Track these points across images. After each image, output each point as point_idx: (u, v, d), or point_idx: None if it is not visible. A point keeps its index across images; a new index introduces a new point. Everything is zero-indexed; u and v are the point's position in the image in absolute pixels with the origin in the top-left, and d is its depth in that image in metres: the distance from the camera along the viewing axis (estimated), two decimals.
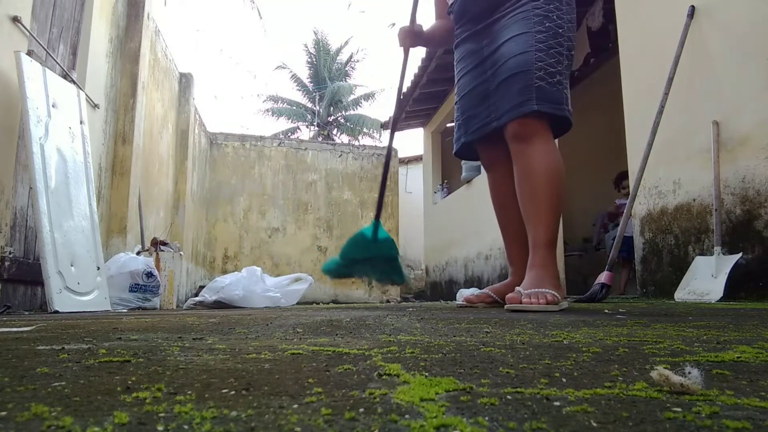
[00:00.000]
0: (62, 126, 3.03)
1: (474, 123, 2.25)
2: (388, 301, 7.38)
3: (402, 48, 2.41)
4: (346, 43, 24.91)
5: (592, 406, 0.47)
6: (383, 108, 42.98)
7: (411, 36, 2.39)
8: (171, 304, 4.29)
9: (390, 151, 2.36)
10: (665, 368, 0.55)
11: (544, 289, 1.85)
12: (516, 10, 2.13)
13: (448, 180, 8.37)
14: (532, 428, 0.40)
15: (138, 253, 3.86)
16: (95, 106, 3.85)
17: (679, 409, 0.45)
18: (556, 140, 2.26)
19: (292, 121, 23.89)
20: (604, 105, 6.00)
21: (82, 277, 2.90)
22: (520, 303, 1.81)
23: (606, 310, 1.99)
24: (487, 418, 0.43)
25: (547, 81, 2.00)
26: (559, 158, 2.06)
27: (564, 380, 0.59)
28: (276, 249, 8.14)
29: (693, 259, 3.02)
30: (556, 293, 1.85)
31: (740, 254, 2.75)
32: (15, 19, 2.72)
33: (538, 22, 2.07)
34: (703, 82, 3.14)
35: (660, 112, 3.20)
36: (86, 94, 3.59)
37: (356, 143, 17.98)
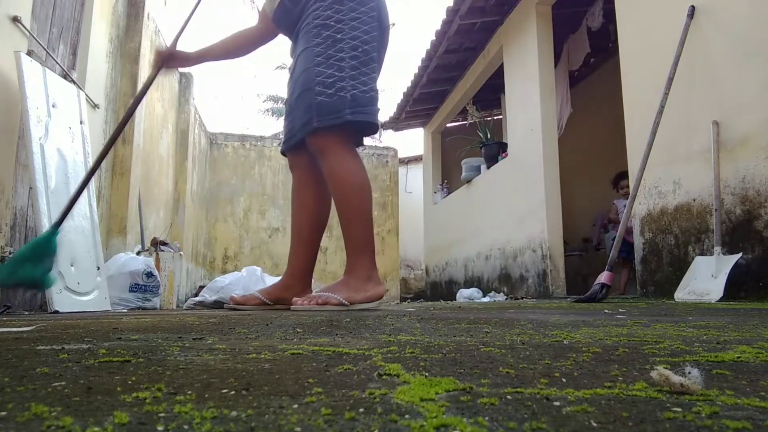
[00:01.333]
0: (62, 126, 3.03)
1: (285, 133, 2.31)
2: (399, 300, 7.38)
3: (154, 69, 2.37)
4: None
5: (592, 406, 0.47)
6: (383, 108, 42.88)
7: (167, 58, 2.35)
8: (171, 304, 4.29)
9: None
10: (665, 368, 0.55)
11: (328, 294, 1.93)
12: (304, 22, 2.15)
13: (448, 180, 8.37)
14: (532, 428, 0.40)
15: (138, 253, 3.86)
16: (95, 106, 3.85)
17: (679, 409, 0.45)
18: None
19: None
20: (604, 105, 6.00)
21: (82, 277, 2.90)
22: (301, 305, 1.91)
23: (606, 310, 1.99)
24: (487, 418, 0.43)
25: (326, 94, 2.01)
26: (356, 166, 2.07)
27: (564, 380, 0.59)
28: (276, 249, 8.14)
29: (693, 259, 3.02)
30: (340, 297, 1.92)
31: (740, 254, 2.75)
32: (15, 19, 2.72)
33: (315, 34, 2.08)
34: (703, 82, 3.14)
35: (660, 112, 3.20)
36: (86, 94, 3.60)
37: None
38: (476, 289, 5.96)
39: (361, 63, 2.06)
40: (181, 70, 5.16)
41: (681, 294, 2.89)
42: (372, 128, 2.15)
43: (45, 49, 3.13)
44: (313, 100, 2.02)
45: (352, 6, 2.09)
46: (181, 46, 2.38)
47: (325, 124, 2.02)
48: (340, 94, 2.01)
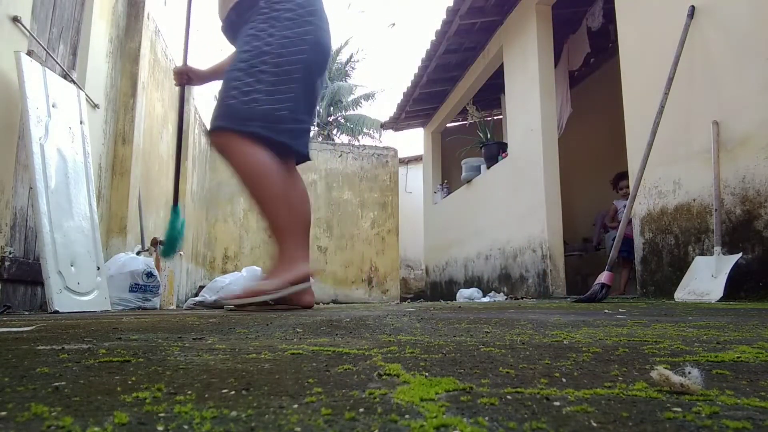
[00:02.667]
0: (62, 126, 3.03)
1: None
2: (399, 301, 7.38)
3: (178, 87, 2.63)
4: (346, 43, 24.88)
5: (592, 406, 0.47)
6: (383, 108, 43.07)
7: (186, 75, 2.53)
8: (171, 304, 4.29)
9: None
10: (665, 368, 0.55)
11: (259, 283, 2.03)
12: (243, 31, 2.19)
13: (448, 180, 8.37)
14: (532, 428, 0.40)
15: (138, 253, 3.86)
16: (95, 106, 3.85)
17: (679, 409, 0.45)
18: None
19: None
20: (604, 105, 6.00)
21: (82, 277, 2.90)
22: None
23: (606, 310, 1.99)
24: (487, 418, 0.43)
25: (239, 99, 2.03)
26: (254, 157, 2.03)
27: (564, 380, 0.59)
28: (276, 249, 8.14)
29: (693, 259, 3.02)
30: (269, 285, 1.98)
31: (740, 254, 2.75)
32: (15, 19, 2.72)
33: (246, 42, 2.11)
34: (703, 82, 3.14)
35: (660, 112, 3.20)
36: (86, 94, 3.59)
37: (356, 143, 17.97)
38: (476, 289, 5.96)
39: (280, 81, 2.07)
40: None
41: (681, 294, 2.89)
42: (282, 149, 2.10)
43: (45, 49, 3.13)
44: (225, 101, 2.05)
45: (288, 25, 2.11)
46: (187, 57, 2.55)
47: (230, 126, 2.03)
48: (253, 105, 2.02)
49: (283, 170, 2.10)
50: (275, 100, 2.04)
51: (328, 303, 6.30)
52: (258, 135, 2.01)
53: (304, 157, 2.34)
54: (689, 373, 0.55)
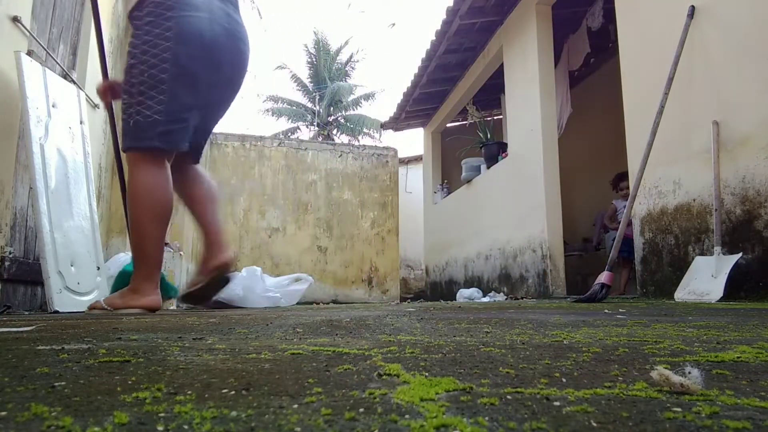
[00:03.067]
0: (62, 126, 3.03)
1: None
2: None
3: (104, 103, 2.69)
4: (346, 43, 24.94)
5: (592, 406, 0.47)
6: (383, 108, 43.01)
7: (110, 89, 2.51)
8: (171, 304, 4.29)
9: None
10: (665, 368, 0.55)
11: (101, 300, 2.23)
12: None
13: (448, 180, 8.37)
14: (532, 428, 0.40)
15: None
16: (95, 106, 3.85)
17: (679, 409, 0.45)
18: None
19: (292, 121, 23.91)
20: (604, 105, 6.00)
21: (82, 277, 2.90)
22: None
23: (606, 310, 1.99)
24: (487, 418, 0.43)
25: (124, 120, 2.13)
26: (147, 184, 2.11)
27: (564, 380, 0.59)
28: (276, 249, 8.14)
29: (693, 259, 3.02)
30: (104, 302, 2.17)
31: (740, 254, 2.75)
32: (15, 19, 2.72)
33: (126, 64, 2.19)
34: (703, 82, 3.14)
35: (660, 112, 3.20)
36: (86, 94, 3.59)
37: (356, 143, 17.98)
38: (476, 289, 5.96)
39: (148, 87, 2.08)
40: None
41: (681, 294, 2.89)
42: (158, 151, 2.14)
43: (45, 49, 3.13)
44: (123, 125, 2.16)
45: (147, 30, 2.12)
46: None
47: (124, 146, 2.15)
48: (129, 120, 2.11)
49: (166, 186, 2.16)
50: (145, 107, 2.08)
51: (328, 303, 6.30)
52: (132, 148, 2.11)
53: (191, 154, 2.40)
54: (689, 373, 0.55)
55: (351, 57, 24.57)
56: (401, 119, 8.88)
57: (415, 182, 10.81)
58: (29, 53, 2.86)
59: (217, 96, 2.33)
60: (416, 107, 8.33)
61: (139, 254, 2.17)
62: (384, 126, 9.81)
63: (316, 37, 24.30)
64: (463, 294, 5.77)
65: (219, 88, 2.30)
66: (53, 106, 2.95)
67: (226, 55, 2.23)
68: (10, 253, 2.72)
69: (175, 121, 2.13)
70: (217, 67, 2.23)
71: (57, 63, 3.31)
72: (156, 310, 2.16)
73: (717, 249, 2.85)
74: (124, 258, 3.67)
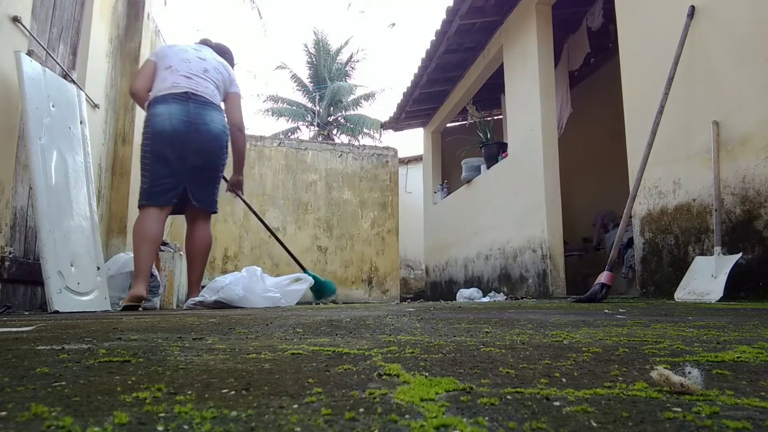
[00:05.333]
0: (62, 126, 3.03)
1: None
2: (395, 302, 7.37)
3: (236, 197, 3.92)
4: (346, 43, 24.88)
5: (592, 406, 0.47)
6: (383, 108, 43.10)
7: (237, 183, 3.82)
8: (171, 304, 4.29)
9: None
10: (665, 368, 0.55)
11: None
12: None
13: (448, 180, 8.37)
14: (532, 428, 0.40)
15: None
16: (95, 106, 3.85)
17: (679, 409, 0.45)
18: None
19: (292, 121, 23.89)
20: (604, 105, 6.00)
21: (82, 277, 2.90)
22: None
23: (606, 310, 1.99)
24: (487, 418, 0.43)
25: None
26: (139, 226, 3.11)
27: (564, 380, 0.59)
28: (276, 249, 8.13)
29: (693, 259, 3.02)
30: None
31: (740, 254, 2.75)
32: (15, 19, 2.72)
33: None
34: (703, 82, 3.13)
35: (660, 112, 3.20)
36: (86, 94, 3.59)
37: (356, 143, 17.97)
38: (476, 289, 5.96)
39: (142, 168, 3.18)
40: None
41: (681, 294, 2.89)
42: (147, 206, 3.15)
43: (45, 49, 3.13)
44: None
45: (143, 130, 3.22)
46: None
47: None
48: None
49: (156, 226, 3.14)
50: (143, 181, 3.17)
51: (327, 303, 6.29)
52: (139, 205, 3.19)
53: (199, 209, 3.31)
54: (689, 373, 0.55)
55: (351, 57, 24.56)
56: (401, 119, 8.88)
57: (415, 182, 10.80)
58: (29, 53, 2.86)
59: (191, 163, 3.16)
60: (416, 107, 8.33)
61: (135, 264, 3.10)
62: (384, 126, 9.81)
63: (316, 37, 24.30)
64: (463, 294, 5.77)
65: (190, 159, 3.15)
66: (53, 106, 2.95)
67: (188, 136, 3.13)
68: (10, 253, 2.72)
69: (156, 186, 3.12)
70: (183, 145, 3.12)
71: (57, 63, 3.31)
72: (138, 298, 2.92)
73: (717, 249, 2.85)
74: (124, 258, 3.67)
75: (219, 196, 3.46)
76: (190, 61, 3.27)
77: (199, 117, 3.16)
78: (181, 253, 4.86)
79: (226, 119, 3.34)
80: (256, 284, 3.31)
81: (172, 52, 3.31)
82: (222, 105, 3.37)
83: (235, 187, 3.70)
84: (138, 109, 4.45)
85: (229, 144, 3.38)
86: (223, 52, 3.61)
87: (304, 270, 4.17)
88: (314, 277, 3.98)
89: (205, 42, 3.61)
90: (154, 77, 3.23)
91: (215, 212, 3.41)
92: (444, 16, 5.95)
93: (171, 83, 3.16)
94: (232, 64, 3.65)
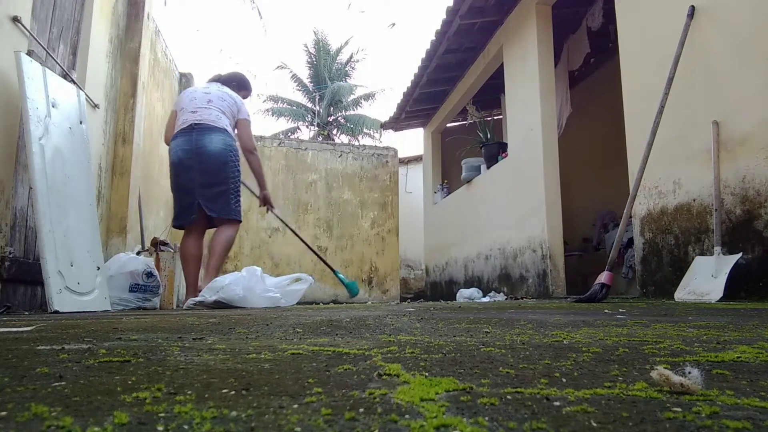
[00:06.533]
0: (62, 126, 3.03)
1: None
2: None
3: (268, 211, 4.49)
4: (346, 43, 24.87)
5: (592, 406, 0.47)
6: (383, 108, 43.11)
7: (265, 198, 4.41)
8: (171, 304, 4.29)
9: None
10: (665, 368, 0.55)
11: None
12: None
13: (448, 180, 8.37)
14: (532, 428, 0.40)
15: (138, 253, 3.85)
16: (95, 106, 3.85)
17: (679, 409, 0.45)
18: None
19: (292, 121, 23.88)
20: (604, 105, 6.00)
21: (82, 277, 2.90)
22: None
23: (606, 310, 1.99)
24: (487, 418, 0.43)
25: None
26: (179, 253, 3.90)
27: (564, 380, 0.59)
28: (276, 249, 8.15)
29: (693, 259, 3.02)
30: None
31: (740, 254, 2.75)
32: (15, 19, 2.72)
33: None
34: (703, 82, 3.13)
35: (660, 112, 3.20)
36: (86, 94, 3.59)
37: (356, 143, 17.96)
38: (476, 289, 5.96)
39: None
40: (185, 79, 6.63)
41: (681, 294, 2.89)
42: (178, 227, 3.82)
43: (45, 49, 3.13)
44: None
45: None
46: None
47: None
48: None
49: (191, 245, 3.73)
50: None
51: (328, 303, 6.30)
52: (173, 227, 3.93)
53: (216, 219, 3.72)
54: (689, 373, 0.55)
55: (351, 57, 24.55)
56: (401, 119, 8.87)
57: (415, 182, 10.80)
58: (29, 53, 2.85)
59: (199, 182, 3.61)
60: (416, 107, 8.33)
61: (185, 281, 3.75)
62: (384, 126, 9.80)
63: (316, 37, 24.29)
64: (463, 294, 5.77)
65: (197, 179, 3.61)
66: (53, 106, 2.95)
67: (191, 160, 3.61)
68: (10, 253, 2.72)
69: (178, 208, 3.75)
70: (188, 169, 3.62)
71: (57, 63, 3.31)
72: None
73: (717, 249, 2.85)
74: (124, 258, 3.67)
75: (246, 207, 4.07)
76: (195, 98, 3.78)
77: (200, 142, 3.63)
78: None
79: (229, 138, 3.74)
80: (256, 284, 3.31)
81: (184, 96, 3.89)
82: (229, 125, 3.78)
83: (264, 202, 4.28)
84: (138, 109, 4.46)
85: (237, 157, 3.79)
86: (231, 80, 4.08)
87: (336, 273, 4.62)
88: (342, 280, 4.56)
89: (215, 78, 4.08)
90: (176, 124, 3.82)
91: (234, 220, 3.74)
92: (444, 16, 5.95)
93: (181, 121, 3.73)
94: (245, 88, 4.16)
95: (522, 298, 5.01)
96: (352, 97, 23.72)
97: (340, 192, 8.45)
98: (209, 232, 3.85)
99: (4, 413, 0.44)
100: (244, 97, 4.12)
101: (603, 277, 2.99)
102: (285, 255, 8.12)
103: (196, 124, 3.66)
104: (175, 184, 3.72)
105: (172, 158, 3.70)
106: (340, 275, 4.59)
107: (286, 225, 4.79)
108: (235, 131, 3.87)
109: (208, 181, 3.62)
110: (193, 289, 3.55)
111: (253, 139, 4.04)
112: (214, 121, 3.69)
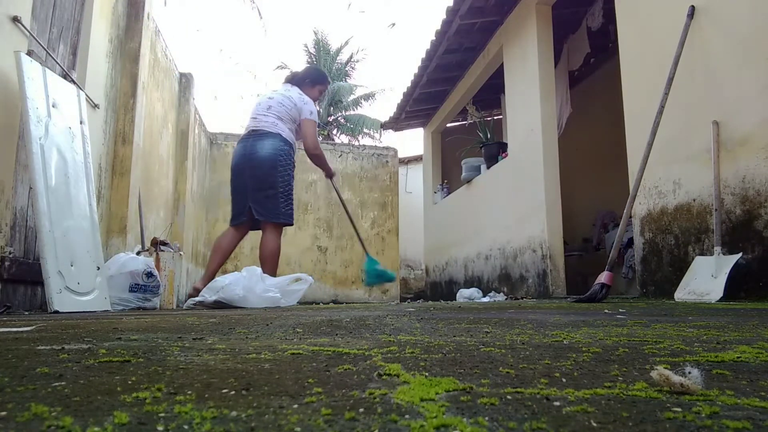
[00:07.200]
0: (62, 126, 3.03)
1: None
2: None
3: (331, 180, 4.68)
4: (346, 43, 24.86)
5: (592, 406, 0.47)
6: (383, 108, 43.15)
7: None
8: (171, 304, 4.29)
9: None
10: (665, 368, 0.55)
11: None
12: None
13: (448, 180, 8.37)
14: (532, 428, 0.40)
15: (138, 253, 3.85)
16: (95, 106, 3.85)
17: (679, 409, 0.45)
18: None
19: None
20: (604, 105, 6.00)
21: (82, 277, 2.89)
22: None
23: (606, 310, 1.99)
24: (487, 418, 0.43)
25: None
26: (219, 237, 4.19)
27: (564, 380, 0.59)
28: None
29: (693, 259, 3.02)
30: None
31: (740, 254, 2.75)
32: (15, 19, 2.72)
33: None
34: (703, 82, 3.13)
35: (660, 112, 3.20)
36: (86, 94, 3.59)
37: (356, 143, 17.97)
38: (476, 289, 5.96)
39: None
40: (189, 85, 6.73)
41: (681, 294, 2.89)
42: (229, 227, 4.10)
43: (45, 49, 3.13)
44: None
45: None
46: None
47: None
48: None
49: (226, 241, 4.01)
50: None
51: (328, 303, 6.30)
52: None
53: (258, 221, 3.91)
54: (689, 373, 0.55)
55: (351, 57, 24.55)
56: (401, 119, 8.87)
57: (415, 182, 10.80)
58: (29, 53, 2.85)
59: (250, 186, 3.84)
60: (416, 107, 8.33)
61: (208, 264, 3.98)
62: (384, 126, 9.81)
63: (316, 37, 24.29)
64: (463, 294, 5.77)
65: (248, 183, 3.84)
66: (53, 106, 2.95)
67: (244, 165, 3.87)
68: (10, 253, 2.72)
69: (233, 210, 4.01)
70: (241, 173, 3.89)
71: (57, 63, 3.31)
72: (194, 289, 3.66)
73: (717, 249, 2.85)
74: (124, 258, 3.67)
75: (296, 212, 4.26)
76: (260, 104, 4.04)
77: (253, 147, 3.86)
78: (182, 253, 4.86)
79: (281, 142, 3.90)
80: (256, 284, 3.31)
81: (255, 103, 4.16)
82: (286, 129, 3.95)
83: (329, 176, 4.50)
84: (138, 109, 4.45)
85: (288, 161, 3.96)
86: (304, 78, 4.21)
87: (367, 254, 4.64)
88: (373, 264, 4.54)
89: (288, 79, 4.26)
90: None
91: (281, 223, 3.89)
92: (444, 16, 5.95)
93: (245, 128, 4.05)
94: (320, 82, 4.28)
95: (522, 298, 5.01)
96: (352, 97, 23.71)
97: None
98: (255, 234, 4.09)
99: (4, 413, 0.44)
100: (321, 92, 4.28)
101: (603, 277, 2.99)
102: (285, 255, 8.11)
103: (253, 130, 3.92)
104: (232, 188, 4.00)
105: (231, 163, 4.03)
106: (370, 257, 4.63)
107: (340, 198, 4.86)
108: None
109: (258, 185, 3.83)
110: (208, 279, 3.66)
111: (316, 138, 4.14)
112: (270, 126, 3.90)
